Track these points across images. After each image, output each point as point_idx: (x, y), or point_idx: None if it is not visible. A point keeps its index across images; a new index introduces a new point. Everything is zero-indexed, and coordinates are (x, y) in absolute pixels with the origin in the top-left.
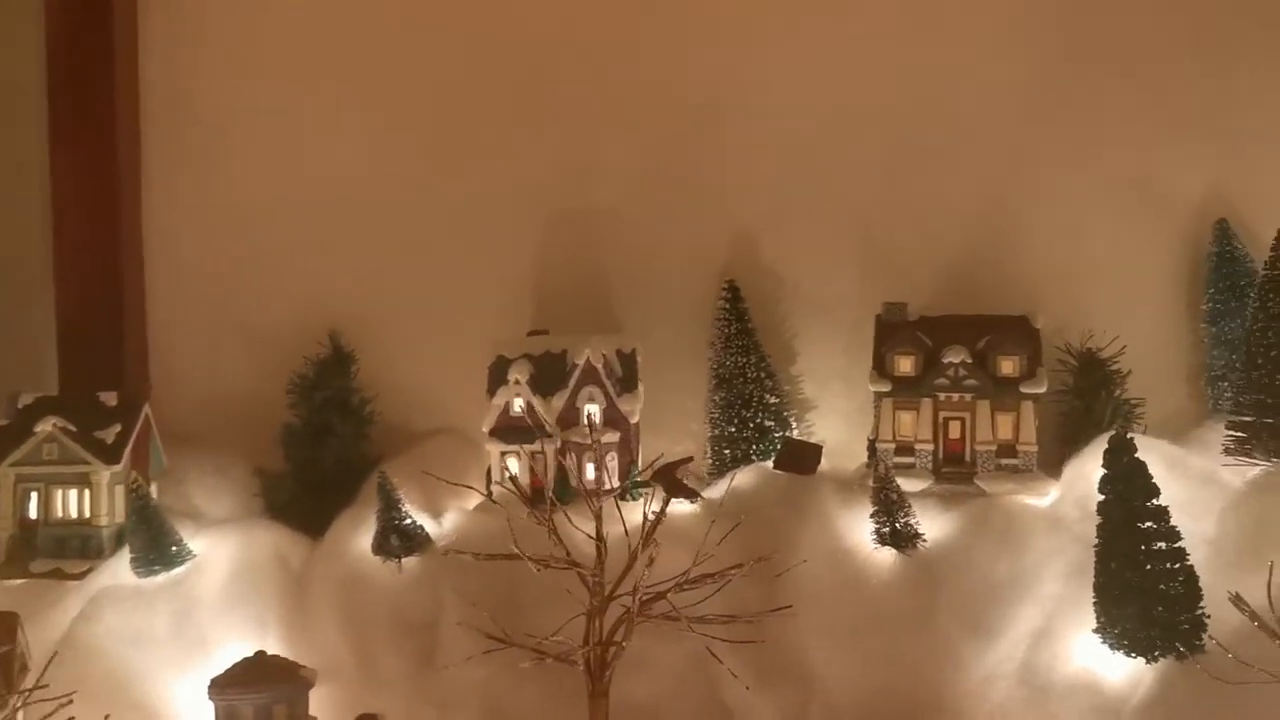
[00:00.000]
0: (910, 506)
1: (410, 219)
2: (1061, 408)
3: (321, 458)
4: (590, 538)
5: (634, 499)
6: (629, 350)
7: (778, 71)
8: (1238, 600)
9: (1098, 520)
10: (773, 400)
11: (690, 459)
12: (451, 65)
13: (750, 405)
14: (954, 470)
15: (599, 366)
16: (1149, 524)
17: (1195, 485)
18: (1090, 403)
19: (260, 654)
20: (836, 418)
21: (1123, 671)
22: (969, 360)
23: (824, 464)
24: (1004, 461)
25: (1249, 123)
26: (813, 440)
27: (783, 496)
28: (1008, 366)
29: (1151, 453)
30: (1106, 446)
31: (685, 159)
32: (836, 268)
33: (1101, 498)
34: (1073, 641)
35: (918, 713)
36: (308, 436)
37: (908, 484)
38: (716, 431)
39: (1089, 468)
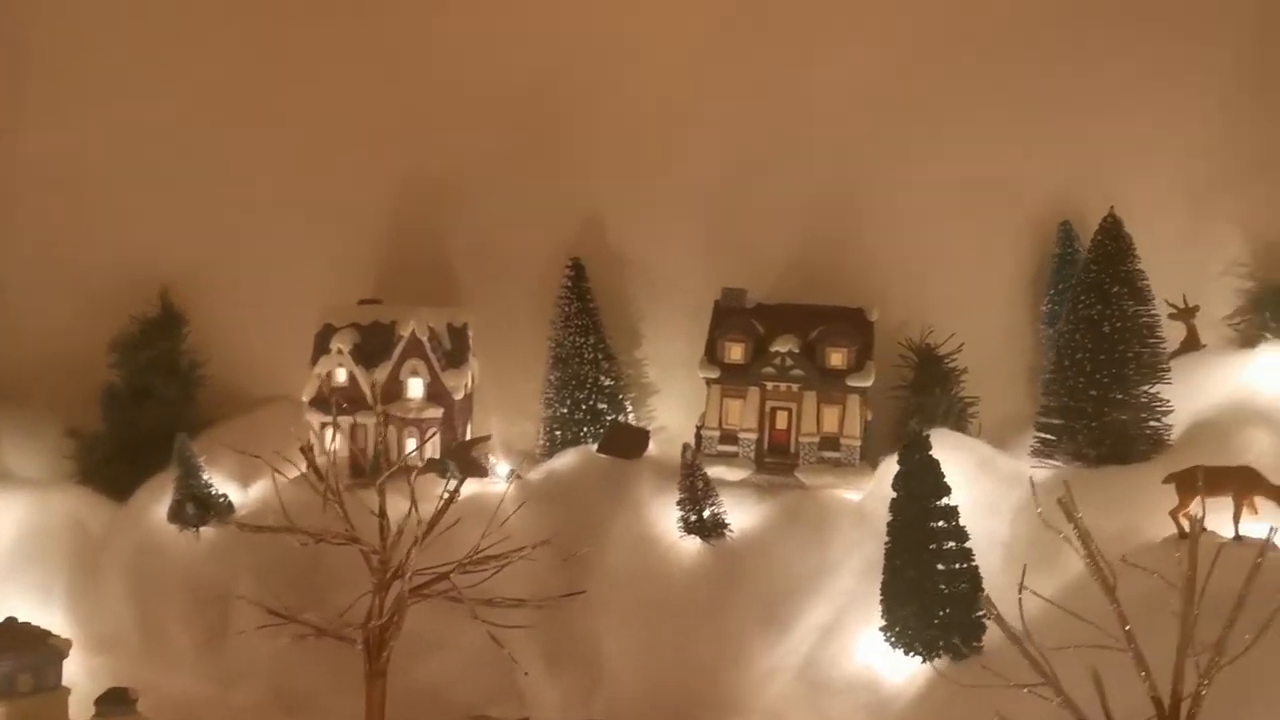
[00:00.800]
0: (717, 496)
1: (248, 180)
2: (900, 402)
3: (139, 420)
4: (354, 541)
5: (453, 479)
6: (460, 324)
7: (634, 55)
8: (987, 602)
9: (888, 517)
10: (608, 383)
11: (488, 437)
12: (294, 22)
13: (585, 387)
14: (777, 460)
15: (424, 340)
16: (938, 523)
17: (1002, 486)
18: (925, 399)
19: (10, 620)
20: (679, 402)
21: (902, 670)
22: (796, 351)
23: (656, 449)
24: (826, 454)
25: (1098, 125)
26: (643, 425)
27: (602, 480)
28: (836, 359)
29: (964, 451)
30: (902, 444)
31: (538, 134)
32: (685, 252)
33: (894, 494)
34: (858, 638)
35: (695, 704)
36: (128, 398)
37: (729, 473)
38: (550, 411)
39: None
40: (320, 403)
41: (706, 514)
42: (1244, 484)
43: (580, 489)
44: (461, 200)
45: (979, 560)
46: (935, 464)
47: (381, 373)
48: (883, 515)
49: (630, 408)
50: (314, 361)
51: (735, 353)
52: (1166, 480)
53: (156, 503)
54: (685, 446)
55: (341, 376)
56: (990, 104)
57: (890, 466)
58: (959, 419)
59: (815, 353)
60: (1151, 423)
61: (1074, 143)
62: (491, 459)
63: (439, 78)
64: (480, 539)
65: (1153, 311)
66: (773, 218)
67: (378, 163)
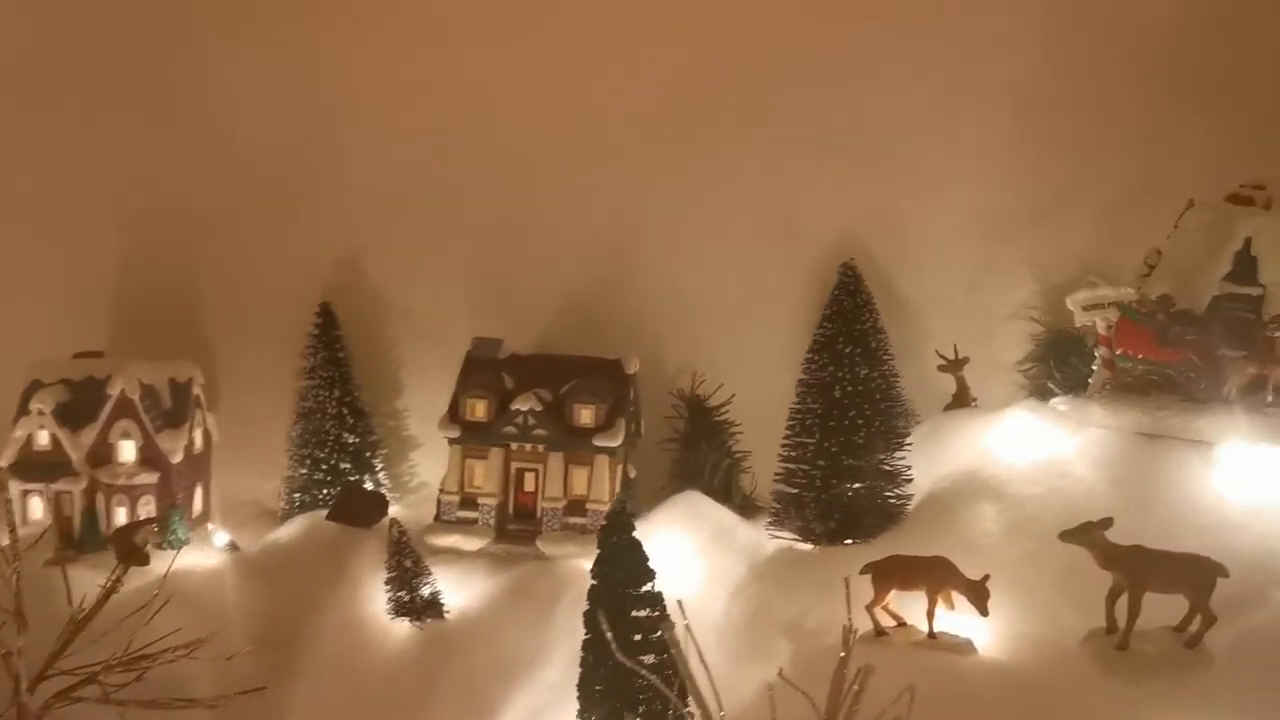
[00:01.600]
0: (430, 574)
1: None
2: (672, 456)
3: None
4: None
5: (173, 546)
6: (184, 379)
7: (393, 91)
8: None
9: (585, 606)
10: (352, 440)
11: (153, 520)
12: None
13: (326, 445)
14: (521, 527)
15: (135, 398)
16: (640, 612)
17: (740, 559)
18: (691, 455)
19: None
20: (441, 458)
21: None
22: (539, 408)
23: (409, 512)
24: (572, 520)
25: (887, 159)
26: (380, 490)
27: (324, 553)
28: (585, 416)
29: (702, 520)
30: (604, 520)
31: (292, 170)
32: (449, 297)
33: (592, 582)
34: None
35: None
36: None
37: (465, 542)
38: (290, 472)
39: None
40: (21, 468)
41: (422, 593)
42: (937, 578)
43: (299, 563)
44: (206, 243)
45: (701, 642)
46: (637, 546)
47: (88, 435)
48: None
49: (380, 466)
50: (14, 423)
51: (478, 410)
52: (863, 571)
53: None
54: (393, 522)
55: (44, 439)
56: (772, 137)
57: (659, 519)
58: (729, 476)
59: (562, 410)
60: (887, 494)
61: (861, 177)
62: (211, 527)
63: (194, 114)
64: (133, 634)
65: (891, 373)
66: (543, 261)
67: (112, 202)
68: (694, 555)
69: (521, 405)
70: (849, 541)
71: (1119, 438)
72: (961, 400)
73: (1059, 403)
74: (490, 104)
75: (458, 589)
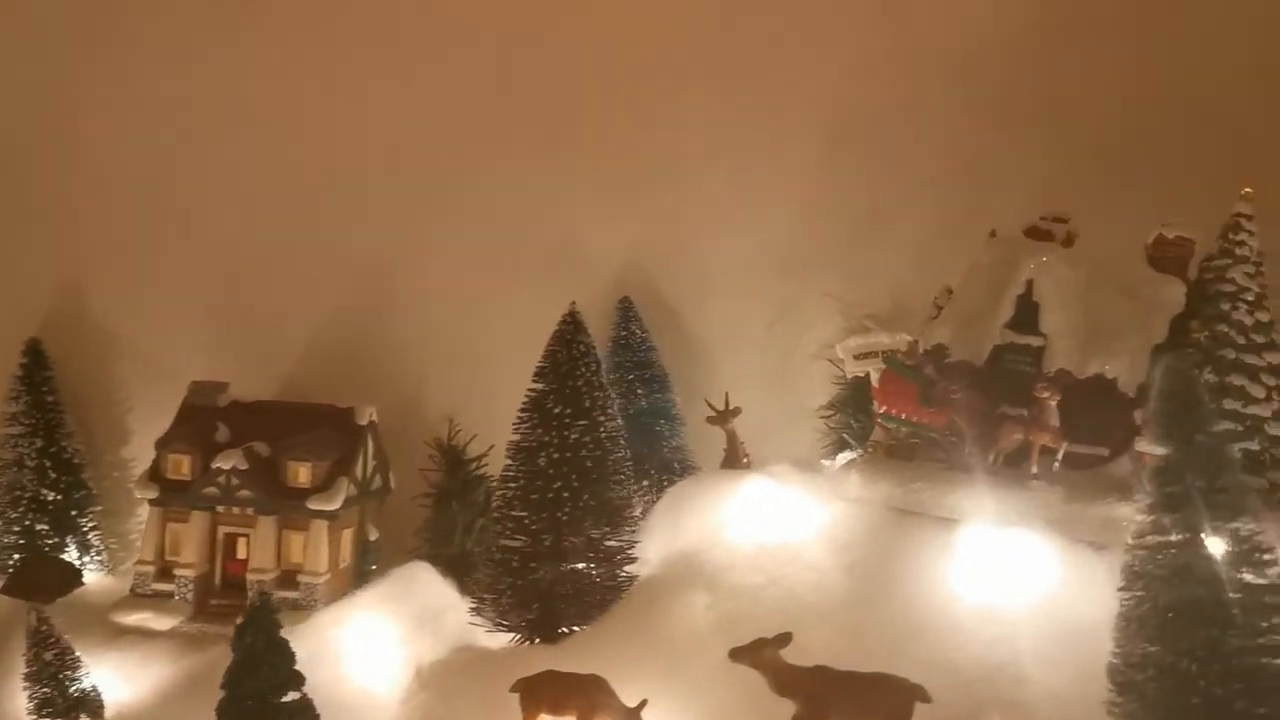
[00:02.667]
0: (79, 666)
1: None
2: (428, 513)
3: None
4: None
5: None
6: None
7: (120, 103)
8: None
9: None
10: (53, 497)
11: None
12: None
13: (21, 502)
14: (226, 603)
15: None
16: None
17: (435, 654)
18: (444, 513)
19: None
20: None
21: None
22: (243, 466)
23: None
24: (284, 594)
25: (674, 190)
26: (68, 559)
27: None
28: (302, 474)
29: (408, 601)
30: (245, 617)
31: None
32: (184, 332)
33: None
34: None
35: None
36: None
37: (156, 620)
38: None
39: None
40: None
41: (71, 689)
42: (590, 702)
43: None
44: None
45: None
46: (280, 646)
47: None
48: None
49: (89, 527)
50: None
51: (183, 466)
52: (513, 688)
53: None
54: (33, 609)
55: None
56: (549, 169)
57: (363, 601)
58: (482, 538)
59: (275, 468)
60: (600, 579)
61: (648, 209)
62: None
63: None
64: None
65: (610, 436)
66: (292, 297)
67: None
68: (392, 646)
69: (224, 463)
70: (565, 630)
71: (870, 513)
72: (732, 458)
73: (830, 466)
74: (236, 125)
75: (131, 679)
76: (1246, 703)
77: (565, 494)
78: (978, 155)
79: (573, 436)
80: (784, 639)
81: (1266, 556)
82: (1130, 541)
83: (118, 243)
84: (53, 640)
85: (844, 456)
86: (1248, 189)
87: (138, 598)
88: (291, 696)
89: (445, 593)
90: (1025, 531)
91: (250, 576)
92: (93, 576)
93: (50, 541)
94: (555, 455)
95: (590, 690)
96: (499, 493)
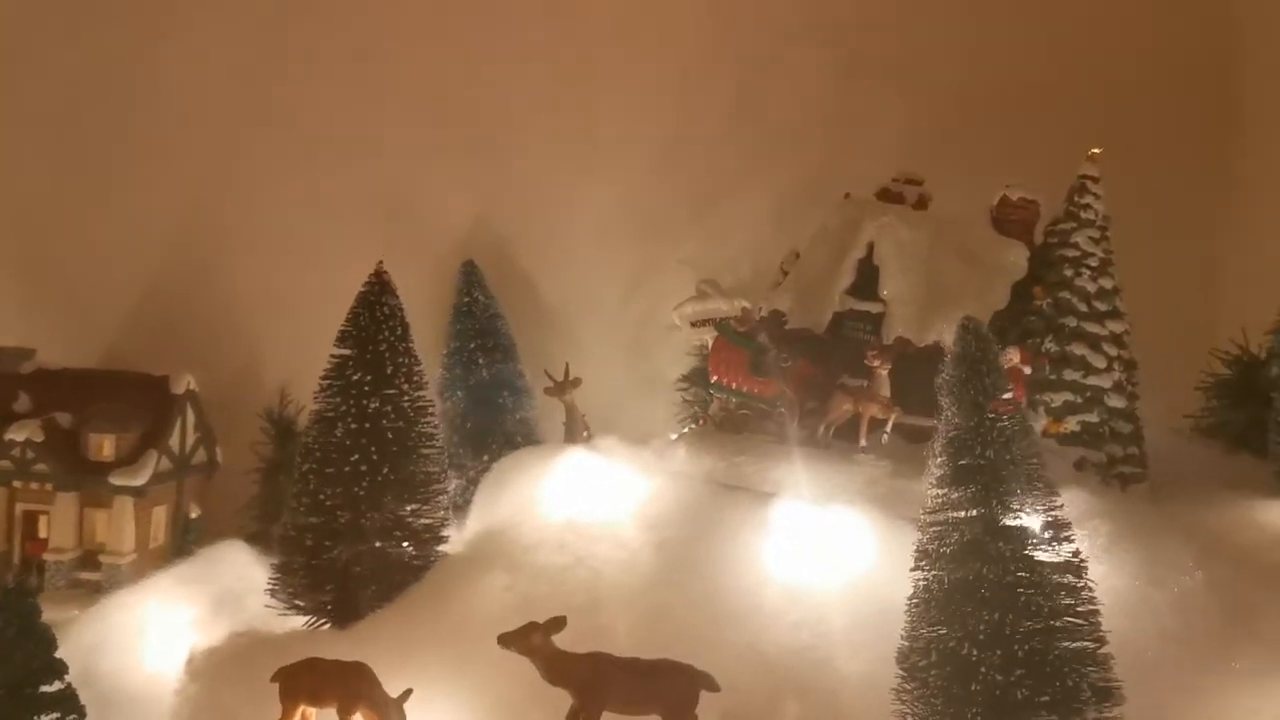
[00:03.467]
0: None
1: None
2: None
3: None
4: None
5: None
6: None
7: None
8: None
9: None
10: None
11: None
12: None
13: None
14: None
15: None
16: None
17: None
18: (271, 486)
19: None
20: None
21: None
22: (38, 438)
23: None
24: (85, 575)
25: (521, 144)
26: None
27: None
28: (105, 447)
29: (211, 582)
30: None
31: None
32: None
33: None
34: None
35: None
36: None
37: None
38: None
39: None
40: None
41: None
42: (351, 691)
43: None
44: None
45: None
46: (38, 632)
47: None
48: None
49: None
50: None
51: None
52: (273, 678)
53: None
54: None
55: None
56: (385, 120)
57: (160, 583)
58: None
59: (78, 440)
60: (407, 558)
61: (493, 166)
62: None
63: None
64: None
65: (418, 405)
66: (114, 257)
67: None
68: (184, 633)
69: (17, 435)
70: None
71: (692, 489)
72: (572, 431)
73: (664, 440)
74: (37, 79)
75: None
76: (1029, 690)
77: (363, 467)
78: (837, 110)
79: (372, 406)
80: (557, 623)
81: (1063, 534)
82: (922, 517)
83: None
84: None
85: (680, 431)
86: (1095, 149)
87: None
88: (51, 687)
89: (255, 574)
90: (845, 508)
91: (48, 557)
92: None
93: None
94: (354, 426)
95: (351, 679)
96: (299, 467)
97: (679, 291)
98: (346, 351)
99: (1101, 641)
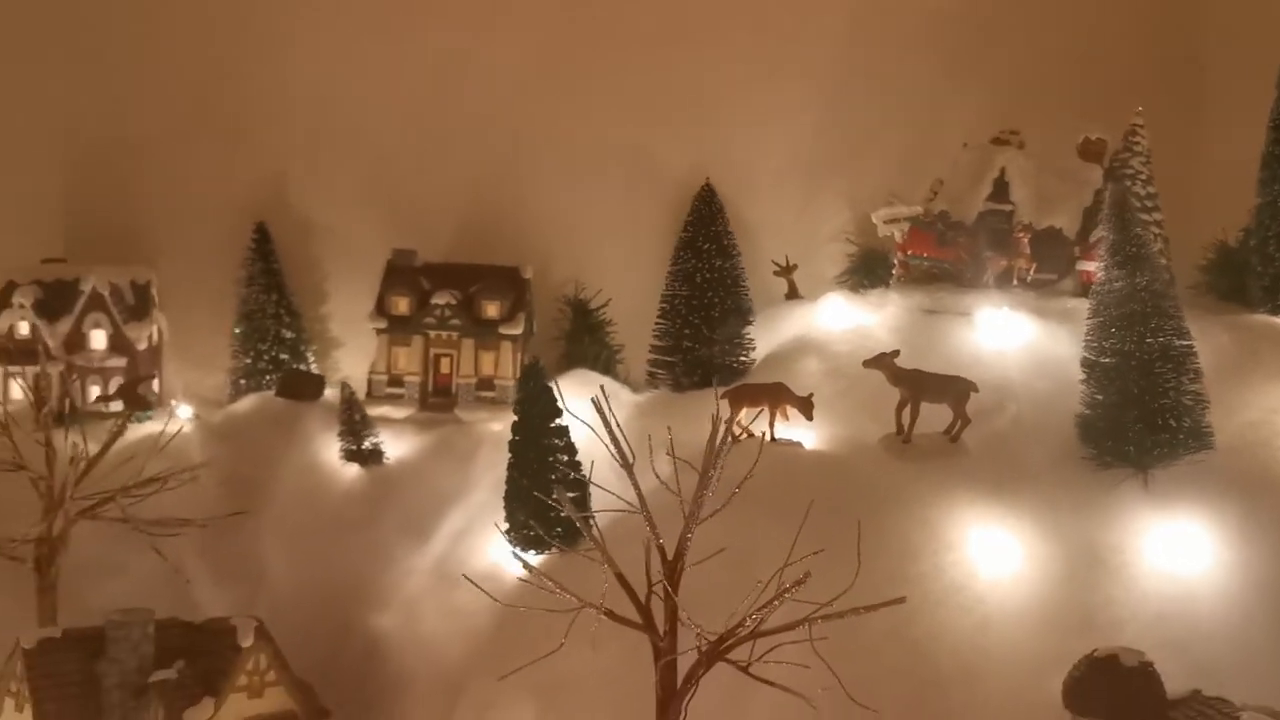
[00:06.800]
0: (374, 428)
1: None
2: (559, 349)
3: None
4: (20, 468)
5: (138, 421)
6: (143, 281)
7: (304, 29)
8: (560, 495)
9: (512, 437)
10: (289, 336)
11: (153, 376)
12: None
13: (267, 339)
14: (440, 400)
15: (106, 294)
16: (552, 440)
17: (620, 410)
18: (576, 346)
19: None
20: (361, 355)
21: (520, 562)
22: (454, 303)
23: (333, 393)
24: (483, 394)
25: (728, 109)
26: (317, 372)
27: (276, 419)
28: (491, 310)
29: (592, 386)
30: (523, 377)
31: (218, 103)
32: (365, 218)
33: (515, 418)
34: (487, 540)
35: (346, 599)
36: None
37: (395, 411)
38: (235, 362)
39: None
40: (3, 354)
41: (365, 444)
42: (776, 397)
43: (257, 427)
44: (150, 167)
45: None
46: (549, 390)
47: (65, 325)
48: None
49: (312, 359)
50: None
51: (401, 306)
52: (721, 395)
53: None
54: (343, 384)
55: (24, 329)
56: (629, 90)
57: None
58: (609, 363)
59: (473, 305)
60: (739, 356)
61: (708, 124)
62: (175, 403)
63: (130, 51)
64: (144, 464)
65: (738, 266)
66: (445, 186)
67: (62, 129)
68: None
69: (440, 300)
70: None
71: (909, 314)
72: (793, 296)
73: (867, 293)
74: (394, 52)
75: (393, 444)
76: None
77: (714, 300)
78: (935, 88)
79: (717, 263)
80: (896, 352)
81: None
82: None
83: (312, 147)
84: (358, 407)
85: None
86: (1140, 108)
87: (375, 398)
88: (557, 422)
89: (607, 381)
90: (1011, 313)
91: (459, 381)
92: None
93: (292, 366)
94: (708, 276)
95: (776, 390)
96: (664, 304)
97: (836, 215)
98: (693, 231)
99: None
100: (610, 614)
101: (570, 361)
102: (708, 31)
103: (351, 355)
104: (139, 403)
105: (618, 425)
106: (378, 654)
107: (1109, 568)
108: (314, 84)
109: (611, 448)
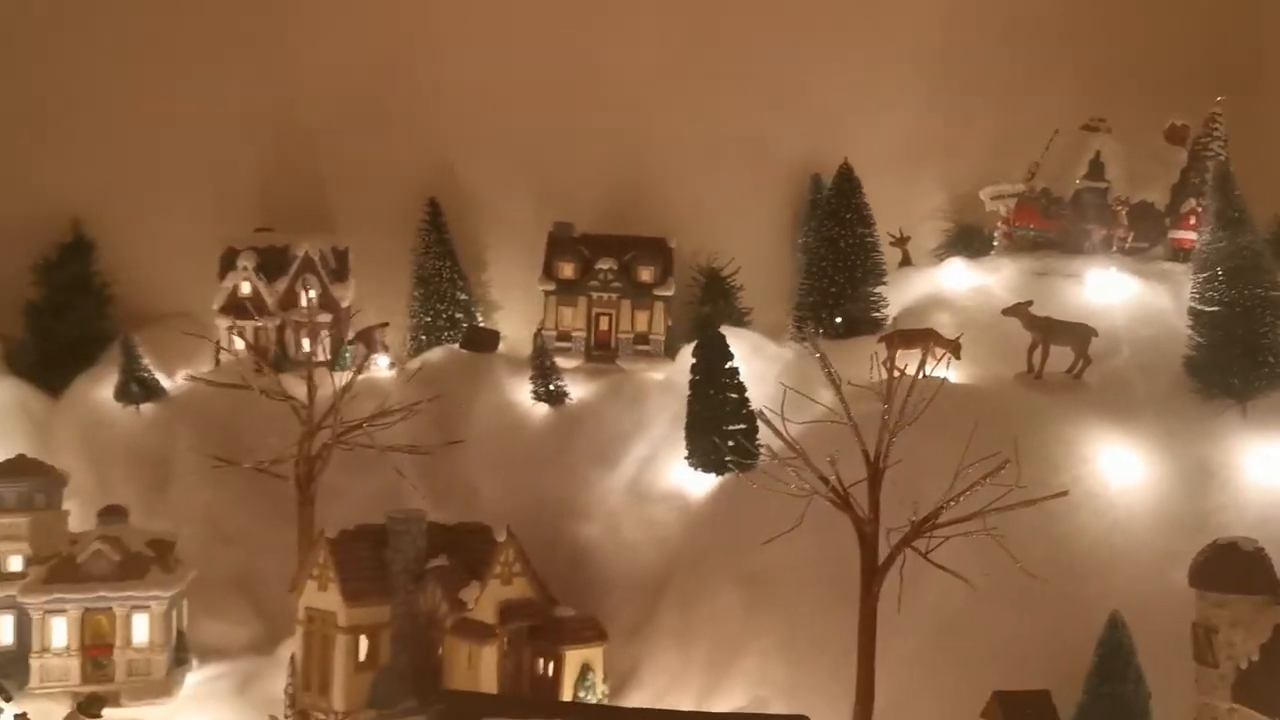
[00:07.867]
0: (560, 373)
1: (151, 131)
2: (692, 311)
3: (58, 331)
4: (288, 398)
5: (341, 368)
6: (342, 248)
7: (462, 27)
8: (761, 415)
9: (686, 388)
10: (463, 297)
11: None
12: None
13: (444, 300)
14: (602, 353)
15: (315, 259)
16: (724, 380)
17: (768, 361)
18: (712, 308)
19: (20, 456)
20: (517, 316)
21: (701, 484)
22: (615, 268)
23: (502, 348)
24: (639, 347)
25: (838, 101)
26: (492, 329)
27: (466, 368)
28: (645, 275)
29: (743, 340)
30: (701, 331)
31: (391, 92)
32: (521, 195)
33: (693, 360)
34: (670, 465)
35: (554, 512)
36: (48, 312)
37: (565, 362)
38: (415, 320)
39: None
40: (229, 310)
41: (552, 386)
42: (927, 339)
43: (450, 373)
44: (336, 150)
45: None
46: (723, 339)
47: (281, 285)
48: (681, 387)
49: (480, 317)
50: (221, 276)
51: (567, 271)
52: (879, 340)
53: (96, 389)
54: (537, 333)
55: (246, 289)
56: (748, 87)
57: (685, 356)
58: (738, 323)
59: (629, 270)
60: (873, 313)
61: (819, 114)
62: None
63: (306, 48)
64: (384, 402)
65: (874, 234)
66: (589, 167)
67: (261, 115)
68: (741, 361)
69: (603, 265)
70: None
71: (1021, 275)
72: (905, 263)
73: (980, 260)
74: (542, 52)
75: (571, 389)
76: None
77: (855, 261)
78: (1027, 79)
79: (858, 230)
80: (1030, 302)
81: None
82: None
83: (473, 134)
84: (546, 353)
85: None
86: (1220, 97)
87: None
88: (729, 365)
89: (753, 336)
90: (1115, 273)
91: (620, 336)
92: None
93: (465, 324)
94: (851, 242)
95: (927, 334)
96: (811, 264)
97: (932, 195)
98: (837, 202)
99: None
100: (840, 493)
101: (705, 321)
102: (819, 32)
103: (508, 317)
104: (376, 347)
105: (826, 362)
106: (584, 560)
107: (1218, 480)
108: (468, 79)
109: (825, 370)
